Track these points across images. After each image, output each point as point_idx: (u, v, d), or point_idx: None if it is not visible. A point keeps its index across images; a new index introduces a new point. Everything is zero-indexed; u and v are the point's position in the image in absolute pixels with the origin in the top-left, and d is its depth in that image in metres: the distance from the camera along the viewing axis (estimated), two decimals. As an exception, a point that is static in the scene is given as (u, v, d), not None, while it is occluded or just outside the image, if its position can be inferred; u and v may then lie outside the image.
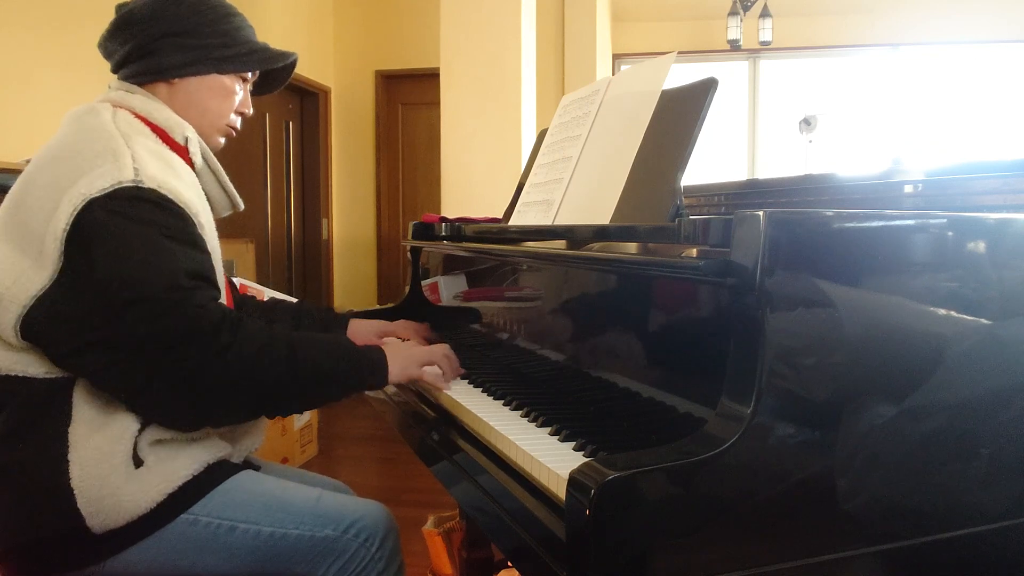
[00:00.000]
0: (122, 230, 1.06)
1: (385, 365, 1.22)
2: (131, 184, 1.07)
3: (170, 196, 1.10)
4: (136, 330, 1.05)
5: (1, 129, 2.81)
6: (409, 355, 1.26)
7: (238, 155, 4.52)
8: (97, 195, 1.05)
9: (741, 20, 5.65)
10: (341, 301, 5.61)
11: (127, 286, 1.04)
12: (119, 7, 1.26)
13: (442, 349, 1.32)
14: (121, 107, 1.21)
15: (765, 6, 5.59)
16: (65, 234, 1.04)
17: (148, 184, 1.08)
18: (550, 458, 0.91)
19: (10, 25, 2.89)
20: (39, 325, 1.06)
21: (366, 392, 1.31)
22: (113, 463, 1.07)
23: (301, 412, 1.22)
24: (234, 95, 1.32)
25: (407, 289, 1.93)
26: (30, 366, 1.10)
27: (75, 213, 1.05)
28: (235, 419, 1.19)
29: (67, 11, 3.12)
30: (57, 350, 1.08)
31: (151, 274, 1.05)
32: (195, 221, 1.14)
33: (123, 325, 1.05)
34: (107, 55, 1.29)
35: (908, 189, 1.32)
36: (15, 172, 2.36)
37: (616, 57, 6.21)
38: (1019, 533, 0.88)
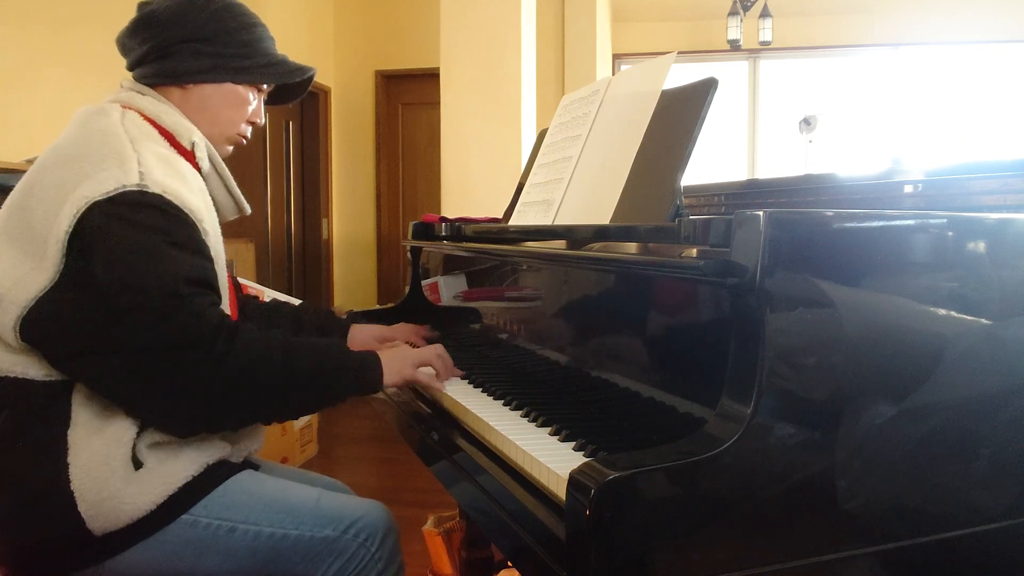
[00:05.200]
0: (123, 235, 1.04)
1: (379, 369, 1.22)
2: (135, 188, 1.06)
3: (174, 201, 1.09)
4: (133, 337, 1.04)
5: (1, 129, 2.81)
6: (403, 357, 1.26)
7: (238, 155, 4.47)
8: (100, 198, 1.04)
9: (741, 20, 5.65)
10: (341, 301, 5.61)
11: (125, 292, 1.03)
12: (141, 5, 1.25)
13: (435, 349, 1.32)
14: (130, 108, 1.20)
15: (765, 6, 5.59)
16: (67, 236, 1.03)
17: (153, 189, 1.07)
18: (550, 458, 0.91)
19: (10, 25, 2.89)
20: (38, 327, 1.06)
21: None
22: (112, 466, 1.07)
23: (298, 418, 1.23)
24: (247, 104, 1.31)
25: (407, 289, 1.93)
26: (30, 368, 1.09)
27: (77, 215, 1.03)
28: (232, 425, 1.19)
29: (67, 11, 3.13)
30: (55, 353, 1.08)
31: (150, 280, 1.04)
32: (200, 228, 1.13)
33: (120, 331, 1.04)
34: (124, 52, 1.28)
35: (908, 189, 1.32)
36: (15, 172, 2.36)
37: (616, 57, 6.21)
38: (1019, 533, 0.88)
